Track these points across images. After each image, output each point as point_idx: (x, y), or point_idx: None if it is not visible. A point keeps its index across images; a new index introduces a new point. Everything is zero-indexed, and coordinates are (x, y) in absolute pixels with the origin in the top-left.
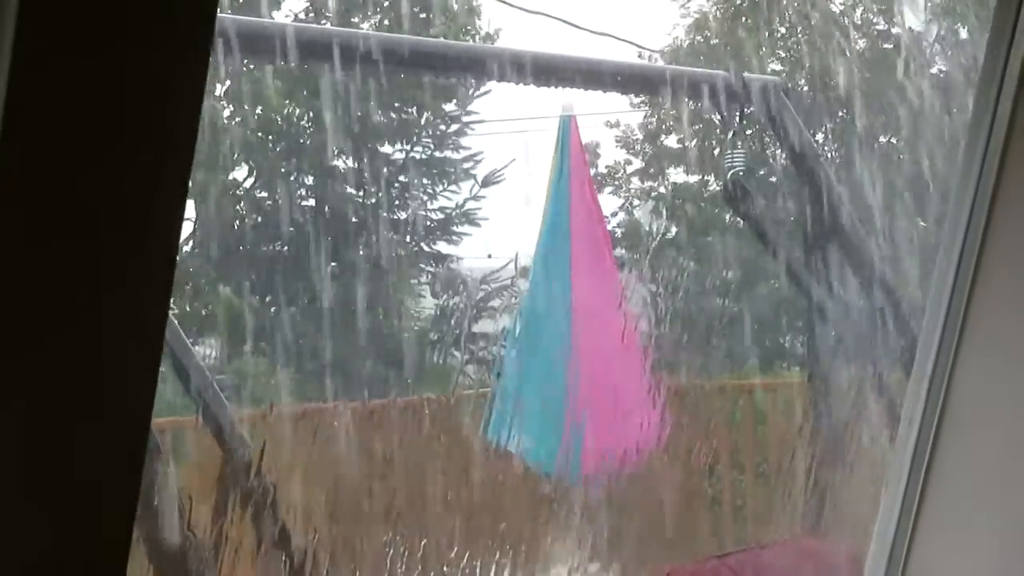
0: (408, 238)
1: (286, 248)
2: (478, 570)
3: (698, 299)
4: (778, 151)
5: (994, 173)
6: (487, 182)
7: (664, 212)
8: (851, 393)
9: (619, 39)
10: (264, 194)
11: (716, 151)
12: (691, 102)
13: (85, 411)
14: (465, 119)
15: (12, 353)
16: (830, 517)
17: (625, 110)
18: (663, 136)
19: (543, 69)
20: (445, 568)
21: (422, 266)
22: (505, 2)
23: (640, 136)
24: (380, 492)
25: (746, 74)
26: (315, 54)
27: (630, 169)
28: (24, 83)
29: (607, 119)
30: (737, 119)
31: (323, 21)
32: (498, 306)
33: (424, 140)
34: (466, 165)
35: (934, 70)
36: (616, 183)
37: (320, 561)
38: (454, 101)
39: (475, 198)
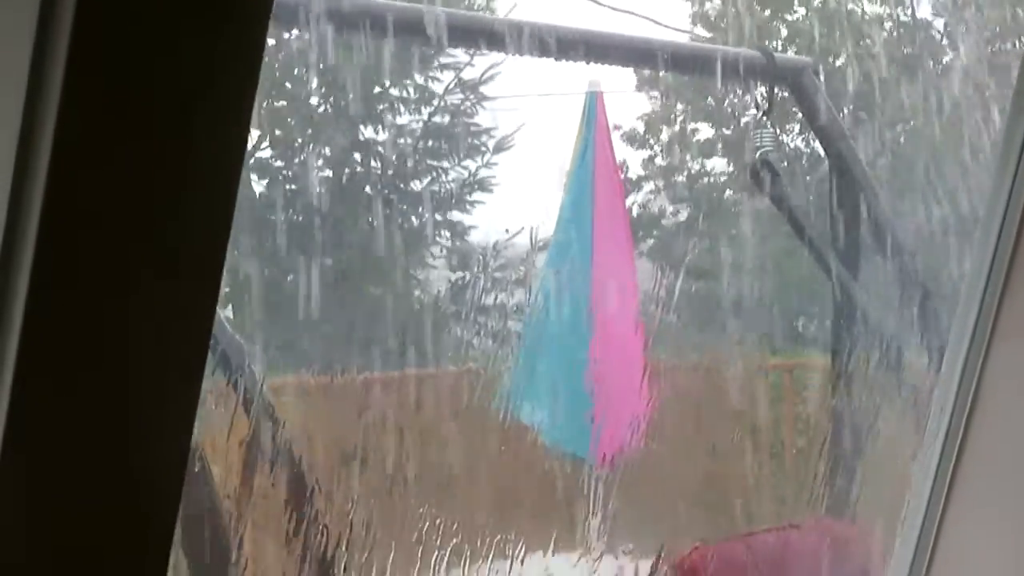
0: (421, 208)
1: (300, 218)
2: (500, 546)
3: (714, 280)
4: (807, 133)
5: None
6: (499, 148)
7: (679, 195)
8: (875, 376)
9: (641, 16)
10: (280, 163)
11: (732, 133)
12: (719, 81)
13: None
14: (483, 90)
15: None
16: (854, 500)
17: (631, 89)
18: (679, 119)
19: (567, 43)
20: (474, 544)
21: (436, 237)
22: None
23: (643, 129)
24: (398, 463)
25: (777, 54)
26: (330, 21)
27: (640, 159)
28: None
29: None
30: (766, 99)
31: None
32: (513, 279)
33: (440, 111)
34: (482, 138)
35: (948, 57)
36: (625, 175)
37: (354, 536)
38: (470, 73)
39: (487, 166)
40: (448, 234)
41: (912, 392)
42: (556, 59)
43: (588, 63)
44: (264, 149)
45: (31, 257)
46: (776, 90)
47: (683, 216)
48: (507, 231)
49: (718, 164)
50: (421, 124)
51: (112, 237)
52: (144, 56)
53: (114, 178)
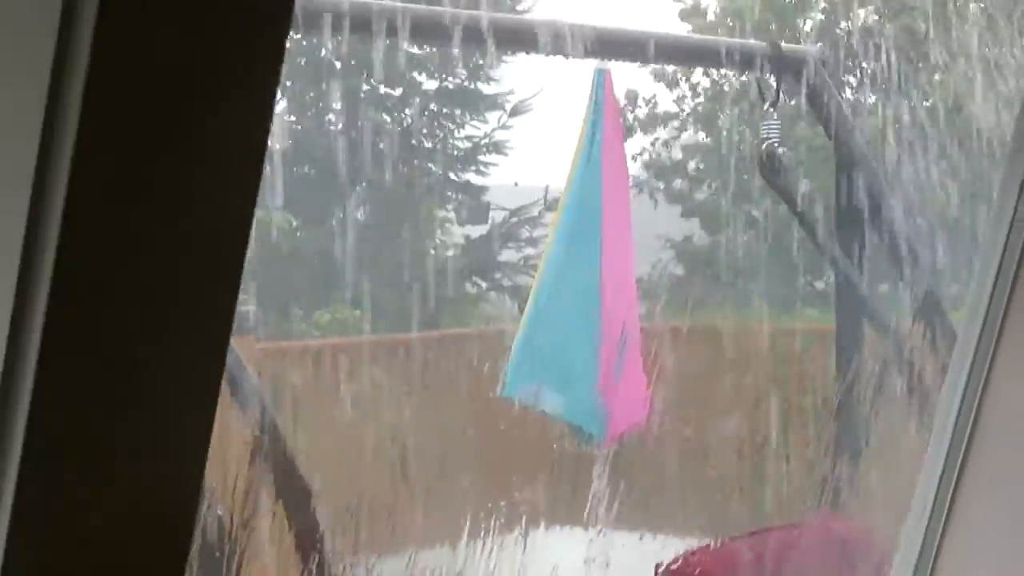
0: (435, 166)
1: (313, 172)
2: (507, 521)
3: (720, 251)
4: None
5: None
6: (516, 112)
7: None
8: (880, 371)
9: None
10: (293, 118)
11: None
12: (727, 73)
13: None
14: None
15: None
16: (855, 492)
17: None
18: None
19: (576, 40)
20: (480, 518)
21: (449, 194)
22: None
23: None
24: (401, 442)
25: (784, 44)
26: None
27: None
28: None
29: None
30: (774, 90)
31: None
32: (525, 236)
33: (457, 71)
34: (497, 99)
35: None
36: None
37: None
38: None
39: (503, 127)
40: (459, 190)
41: (919, 390)
42: (565, 57)
43: (595, 59)
44: (279, 102)
45: (51, 260)
46: (783, 80)
47: (691, 193)
48: (515, 184)
49: (724, 143)
50: (439, 81)
51: (132, 236)
52: (167, 51)
53: (134, 177)
